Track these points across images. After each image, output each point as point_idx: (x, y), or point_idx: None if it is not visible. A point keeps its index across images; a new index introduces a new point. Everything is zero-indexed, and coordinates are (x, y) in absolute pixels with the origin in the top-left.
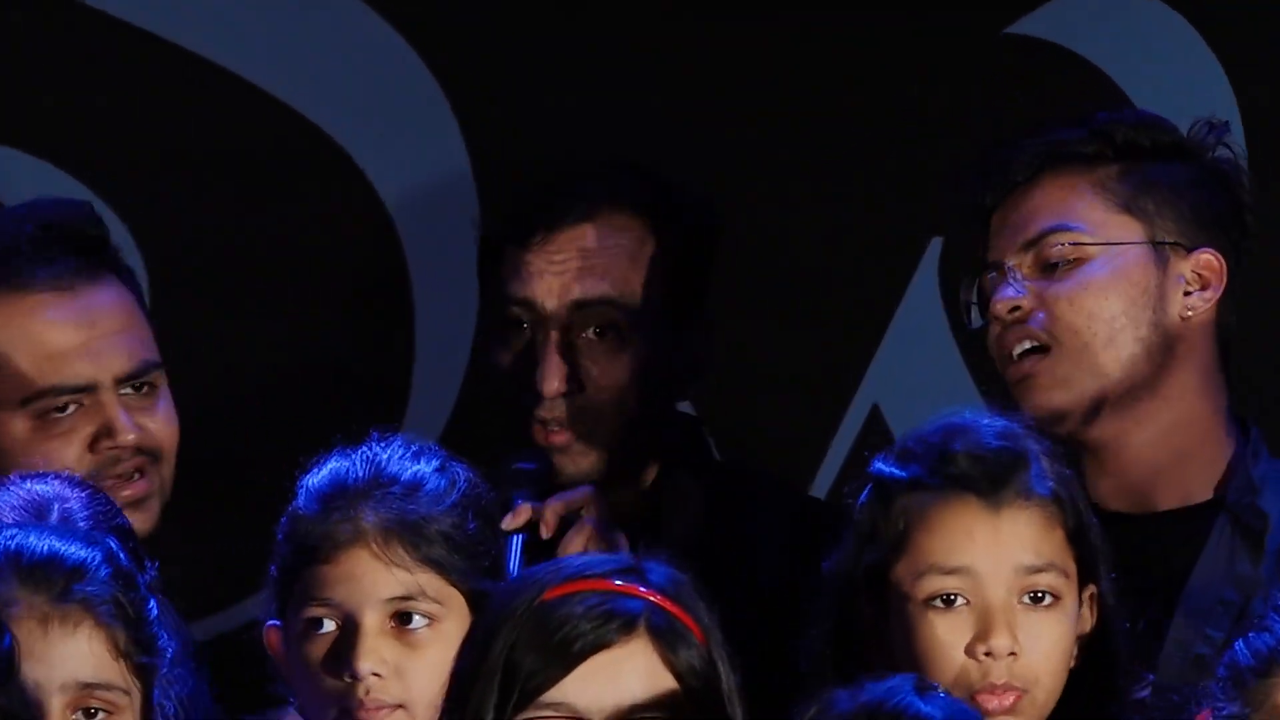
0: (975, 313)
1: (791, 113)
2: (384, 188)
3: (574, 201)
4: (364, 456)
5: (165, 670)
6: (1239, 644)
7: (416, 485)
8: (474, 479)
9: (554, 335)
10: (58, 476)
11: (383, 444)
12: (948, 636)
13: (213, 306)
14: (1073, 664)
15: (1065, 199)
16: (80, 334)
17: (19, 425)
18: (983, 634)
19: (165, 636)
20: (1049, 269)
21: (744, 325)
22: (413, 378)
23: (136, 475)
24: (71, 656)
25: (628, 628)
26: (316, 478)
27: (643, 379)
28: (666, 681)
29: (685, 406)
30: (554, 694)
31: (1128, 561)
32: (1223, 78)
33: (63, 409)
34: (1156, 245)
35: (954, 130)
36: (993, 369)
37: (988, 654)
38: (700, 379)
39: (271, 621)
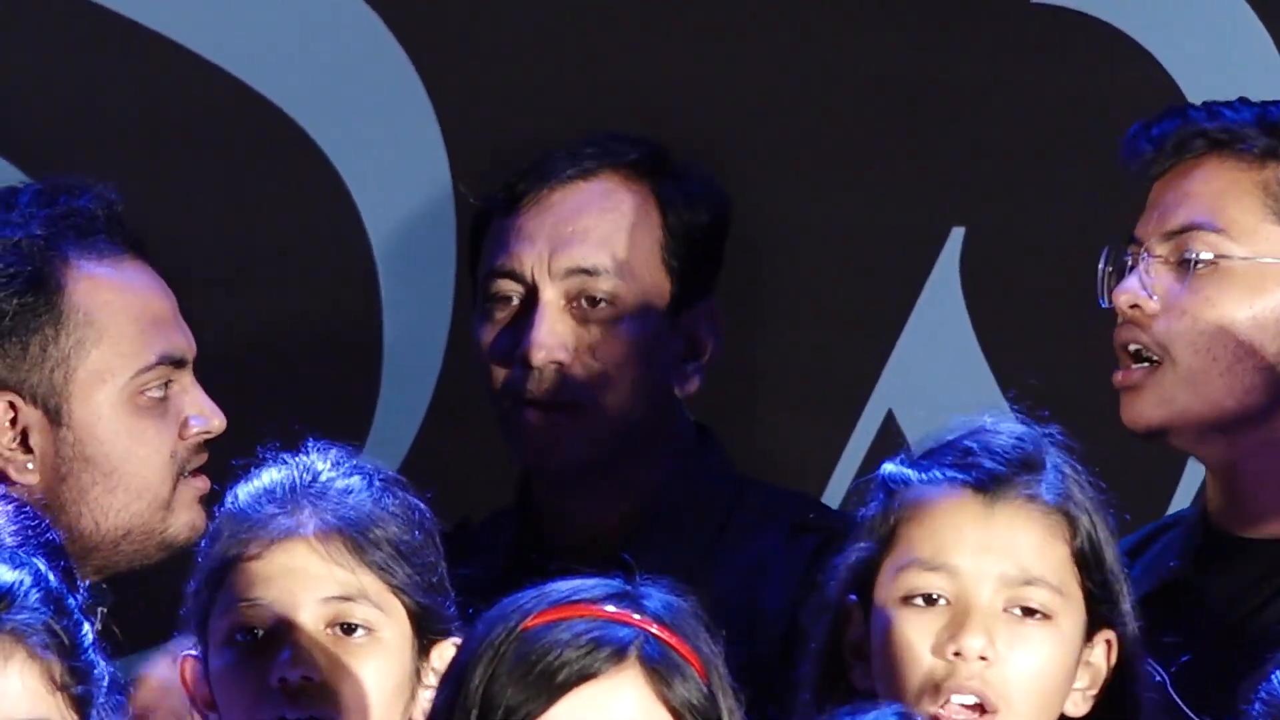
0: (1104, 288)
1: (797, 94)
2: (356, 185)
3: (568, 162)
4: (300, 463)
5: (103, 699)
6: (1276, 676)
7: (357, 490)
8: (414, 500)
9: (544, 300)
10: None
11: (319, 453)
12: (918, 635)
13: None
14: (1079, 714)
15: (1221, 194)
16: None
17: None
18: (954, 632)
19: (102, 662)
20: (1184, 265)
21: (749, 325)
22: (380, 386)
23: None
24: (4, 694)
25: (617, 657)
26: (248, 482)
27: (640, 358)
28: (660, 718)
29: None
30: None
31: (1229, 589)
32: (1271, 48)
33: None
34: None
35: (978, 109)
36: (1017, 373)
37: (957, 654)
38: (702, 371)
39: (187, 652)
